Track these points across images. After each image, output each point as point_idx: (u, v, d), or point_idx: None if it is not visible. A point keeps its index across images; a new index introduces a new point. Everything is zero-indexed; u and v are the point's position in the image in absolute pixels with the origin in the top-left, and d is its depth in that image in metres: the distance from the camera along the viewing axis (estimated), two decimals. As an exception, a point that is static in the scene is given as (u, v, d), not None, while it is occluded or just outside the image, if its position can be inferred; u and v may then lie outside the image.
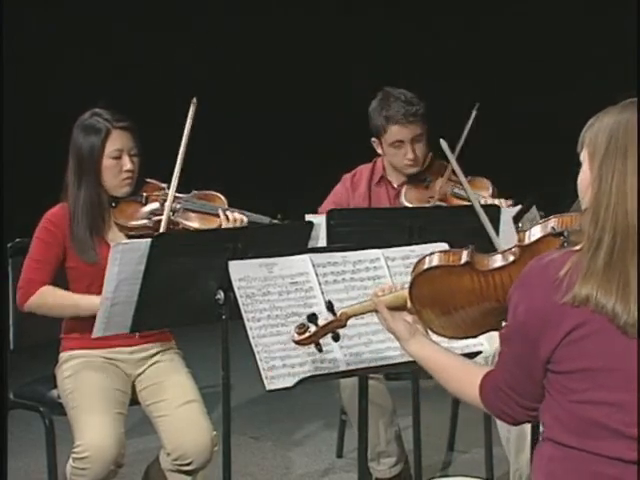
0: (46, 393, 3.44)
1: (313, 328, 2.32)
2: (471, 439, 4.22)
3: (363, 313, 2.36)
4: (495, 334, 2.17)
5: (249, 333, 2.56)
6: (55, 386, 3.38)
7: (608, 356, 1.88)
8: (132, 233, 3.37)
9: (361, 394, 2.78)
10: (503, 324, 2.11)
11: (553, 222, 2.20)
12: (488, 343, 2.72)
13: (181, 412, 3.24)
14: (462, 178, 3.64)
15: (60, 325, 3.41)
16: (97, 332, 3.06)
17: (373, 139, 3.91)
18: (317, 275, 2.66)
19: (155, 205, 3.43)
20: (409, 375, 3.55)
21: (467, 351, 2.63)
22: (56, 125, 3.83)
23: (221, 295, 3.04)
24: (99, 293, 3.06)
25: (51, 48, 6.32)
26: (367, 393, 2.79)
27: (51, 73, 6.40)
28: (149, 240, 2.99)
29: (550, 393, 1.96)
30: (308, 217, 3.39)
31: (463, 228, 3.34)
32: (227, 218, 3.39)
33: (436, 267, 2.19)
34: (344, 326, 2.35)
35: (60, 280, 3.33)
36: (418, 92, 3.85)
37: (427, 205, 3.80)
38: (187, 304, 3.11)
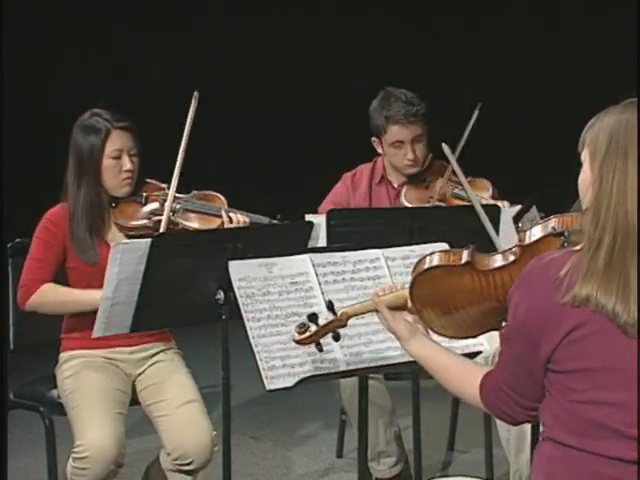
0: (46, 393, 3.44)
1: (314, 327, 2.32)
2: (471, 439, 4.21)
3: (364, 313, 2.36)
4: (495, 334, 2.17)
5: (249, 333, 2.55)
6: (55, 386, 3.38)
7: (608, 356, 1.88)
8: (132, 233, 3.37)
9: (361, 394, 2.78)
10: (503, 324, 2.11)
11: (553, 222, 2.21)
12: (488, 343, 2.72)
13: (181, 412, 3.24)
14: (462, 179, 3.63)
15: (60, 325, 3.41)
16: (97, 332, 3.05)
17: (373, 139, 3.91)
18: (317, 275, 2.66)
19: (155, 205, 3.43)
20: (409, 375, 3.55)
21: (467, 351, 2.63)
22: (56, 125, 3.83)
23: (221, 295, 3.03)
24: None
25: (51, 48, 6.31)
26: (367, 393, 2.79)
27: (51, 73, 6.40)
28: (149, 240, 2.99)
29: (550, 393, 1.96)
30: (308, 217, 3.38)
31: (463, 228, 3.33)
32: (230, 219, 3.40)
33: (436, 267, 2.19)
34: (344, 326, 2.35)
35: (60, 280, 3.33)
36: (418, 92, 3.85)
37: (427, 205, 3.80)
38: (187, 304, 3.11)
